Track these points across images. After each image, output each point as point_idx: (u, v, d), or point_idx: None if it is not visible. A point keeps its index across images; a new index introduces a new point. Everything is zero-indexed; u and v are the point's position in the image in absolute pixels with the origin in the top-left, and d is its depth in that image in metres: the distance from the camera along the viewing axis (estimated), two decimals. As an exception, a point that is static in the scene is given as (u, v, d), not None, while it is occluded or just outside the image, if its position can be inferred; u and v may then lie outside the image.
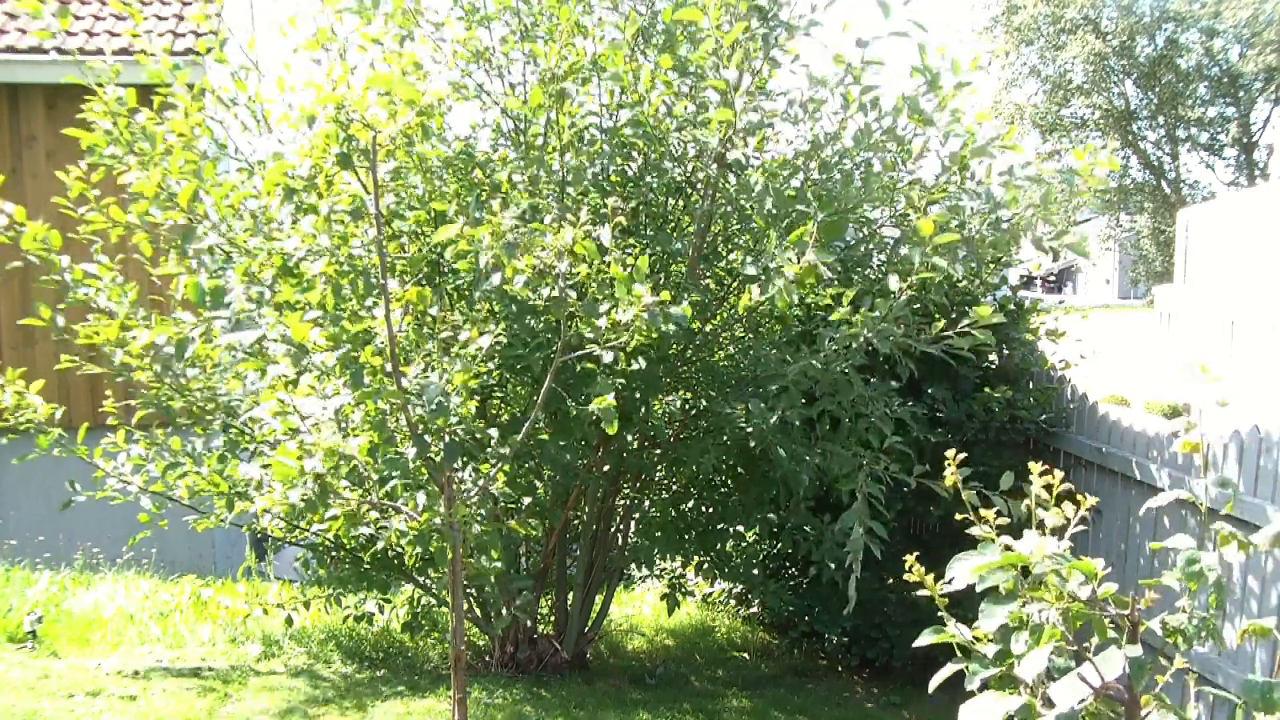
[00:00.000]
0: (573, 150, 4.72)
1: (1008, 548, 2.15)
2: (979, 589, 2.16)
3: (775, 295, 3.84)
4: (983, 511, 2.25)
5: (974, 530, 2.26)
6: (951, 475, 2.35)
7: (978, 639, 2.21)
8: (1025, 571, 2.14)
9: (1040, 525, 2.19)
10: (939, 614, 2.32)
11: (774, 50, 4.48)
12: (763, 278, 3.87)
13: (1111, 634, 2.17)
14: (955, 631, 2.23)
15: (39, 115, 8.62)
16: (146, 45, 4.54)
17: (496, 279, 3.45)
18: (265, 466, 4.18)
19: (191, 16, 8.69)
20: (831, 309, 4.36)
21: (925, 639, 2.25)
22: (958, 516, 2.38)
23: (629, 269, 3.45)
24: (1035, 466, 2.24)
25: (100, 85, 4.30)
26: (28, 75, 8.47)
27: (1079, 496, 2.23)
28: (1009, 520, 2.40)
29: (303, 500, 3.38)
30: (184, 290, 3.82)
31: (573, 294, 3.46)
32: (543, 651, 5.59)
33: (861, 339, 4.28)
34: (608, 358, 3.42)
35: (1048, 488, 2.22)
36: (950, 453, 2.41)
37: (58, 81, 8.26)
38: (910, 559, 2.35)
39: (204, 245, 4.00)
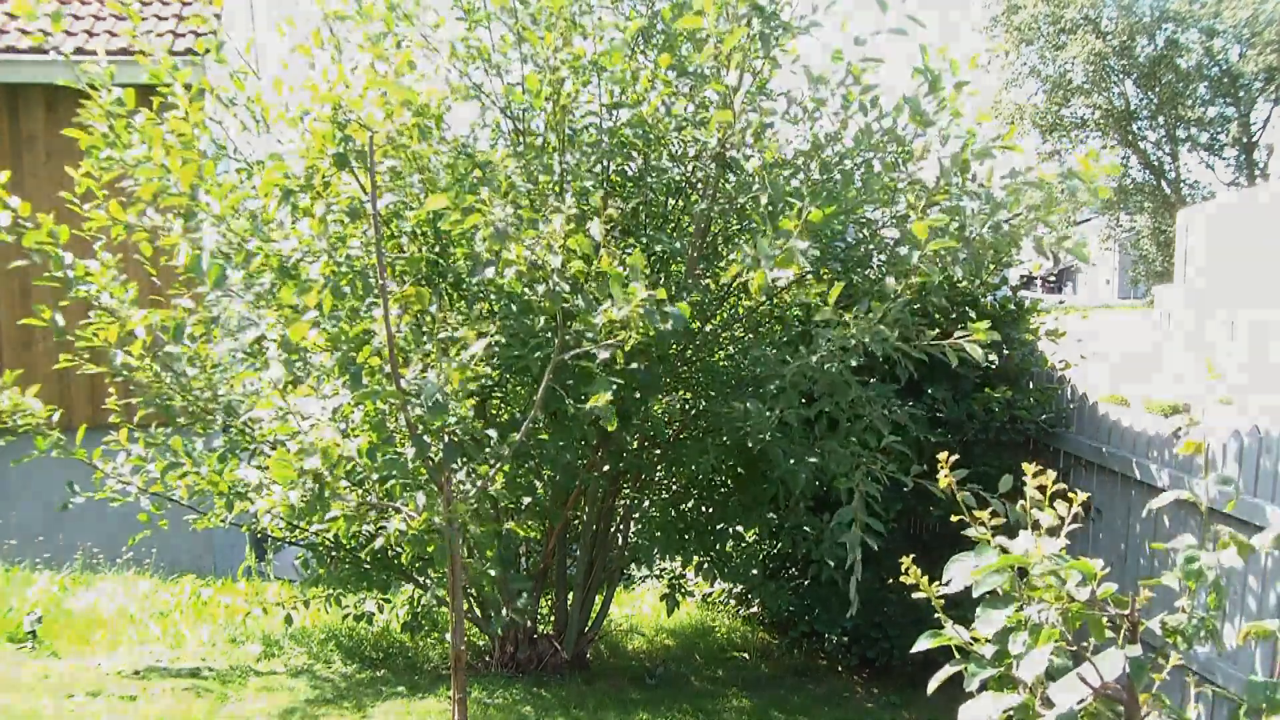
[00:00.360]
0: (570, 144, 4.71)
1: (1003, 549, 2.15)
2: (975, 592, 2.15)
3: (750, 278, 3.81)
4: (976, 513, 2.24)
5: (970, 532, 2.25)
6: (945, 478, 2.35)
7: (976, 640, 2.21)
8: (1022, 572, 2.13)
9: (1035, 525, 2.18)
10: (938, 615, 2.31)
11: (774, 50, 4.48)
12: (748, 264, 3.86)
13: (1110, 634, 2.16)
14: (953, 633, 2.22)
15: (39, 115, 8.61)
16: (145, 45, 4.53)
17: (490, 271, 3.44)
18: (263, 468, 4.18)
19: (191, 17, 8.68)
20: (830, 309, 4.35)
21: (923, 643, 2.24)
22: (955, 517, 2.37)
23: (626, 267, 3.44)
24: (1029, 467, 2.23)
25: (94, 88, 4.29)
26: (28, 75, 8.46)
27: (1072, 494, 2.22)
28: (1005, 520, 2.40)
29: (302, 501, 3.38)
30: (184, 260, 3.81)
31: (566, 287, 3.45)
32: (543, 651, 5.58)
33: (856, 341, 4.27)
34: (603, 355, 3.41)
35: (1041, 488, 2.21)
36: (943, 455, 2.40)
37: (57, 82, 8.24)
38: (907, 561, 2.34)
39: (202, 234, 3.98)
